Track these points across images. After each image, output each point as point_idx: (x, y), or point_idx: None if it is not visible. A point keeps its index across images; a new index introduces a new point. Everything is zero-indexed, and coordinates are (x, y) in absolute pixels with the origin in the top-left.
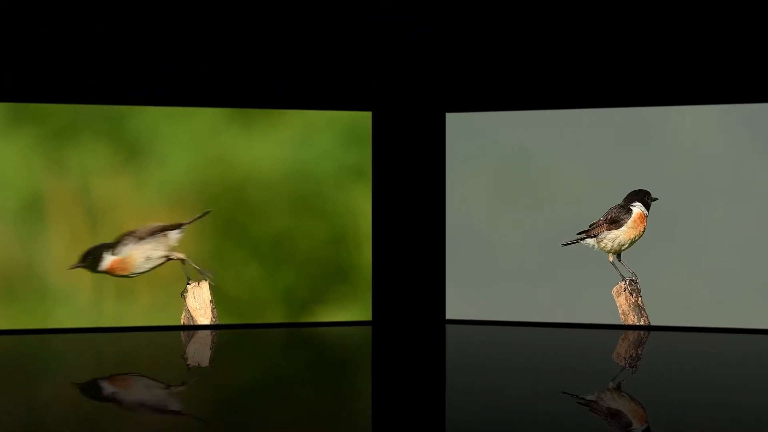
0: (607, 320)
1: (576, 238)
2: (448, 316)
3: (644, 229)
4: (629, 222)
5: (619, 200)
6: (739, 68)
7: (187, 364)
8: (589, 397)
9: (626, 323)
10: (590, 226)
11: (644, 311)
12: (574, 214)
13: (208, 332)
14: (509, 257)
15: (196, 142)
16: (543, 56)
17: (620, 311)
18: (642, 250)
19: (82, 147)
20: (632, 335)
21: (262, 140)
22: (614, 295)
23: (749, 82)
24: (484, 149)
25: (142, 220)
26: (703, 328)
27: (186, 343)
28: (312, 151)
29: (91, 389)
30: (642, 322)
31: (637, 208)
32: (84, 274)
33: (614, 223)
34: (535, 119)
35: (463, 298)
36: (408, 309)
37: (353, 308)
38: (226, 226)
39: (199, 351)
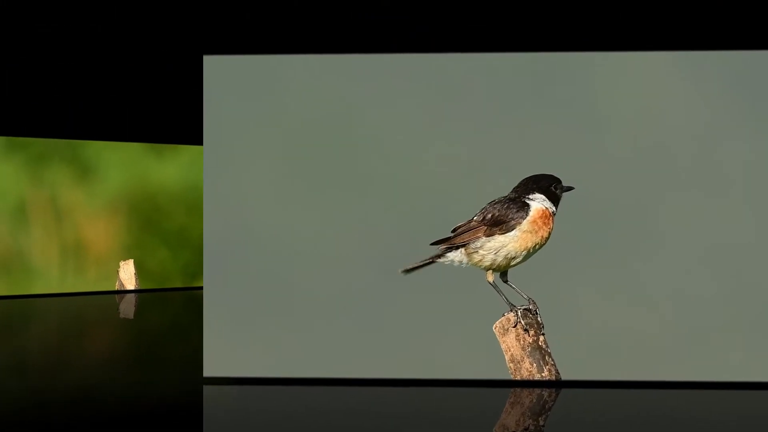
0: (485, 373)
1: (426, 259)
2: (206, 373)
3: (549, 233)
4: (525, 224)
5: (507, 190)
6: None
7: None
8: None
9: (518, 377)
10: (454, 231)
11: (549, 357)
12: (427, 211)
13: (132, 294)
14: (315, 279)
15: (126, 165)
16: None
17: (508, 357)
18: (548, 265)
19: (53, 168)
20: (528, 396)
21: (169, 165)
22: (497, 334)
23: (722, 18)
24: (272, 110)
25: (93, 220)
26: (647, 382)
27: (119, 302)
28: (200, 173)
29: (55, 332)
30: (545, 374)
31: (538, 203)
32: (54, 257)
33: (498, 225)
34: (364, 65)
35: (228, 348)
36: None
37: None
38: (146, 222)
39: (128, 307)
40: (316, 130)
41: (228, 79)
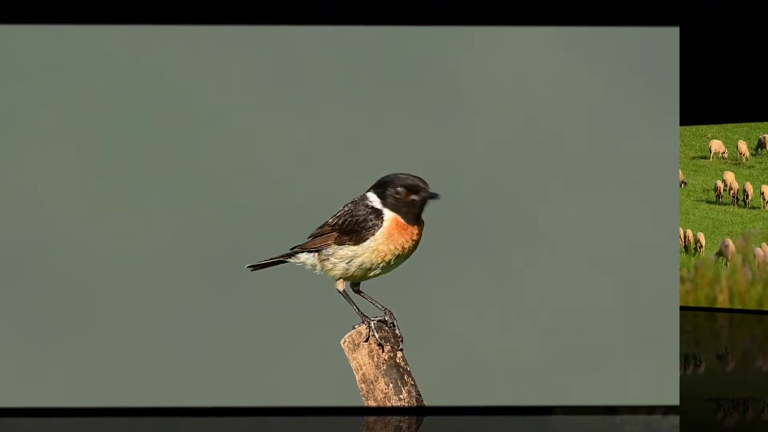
0: (331, 398)
1: (276, 256)
2: None
3: (415, 244)
4: (379, 236)
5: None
6: None
7: None
8: None
9: (371, 401)
10: (312, 235)
11: (409, 376)
12: (255, 207)
13: None
14: (122, 285)
15: None
16: None
17: (359, 378)
18: (408, 271)
19: None
20: (383, 427)
21: None
22: (346, 350)
23: None
24: (71, 88)
25: None
26: (526, 408)
27: None
28: None
29: None
30: (403, 397)
31: (390, 211)
32: None
33: (349, 234)
34: (173, 35)
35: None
36: None
37: None
38: None
39: None
40: (128, 112)
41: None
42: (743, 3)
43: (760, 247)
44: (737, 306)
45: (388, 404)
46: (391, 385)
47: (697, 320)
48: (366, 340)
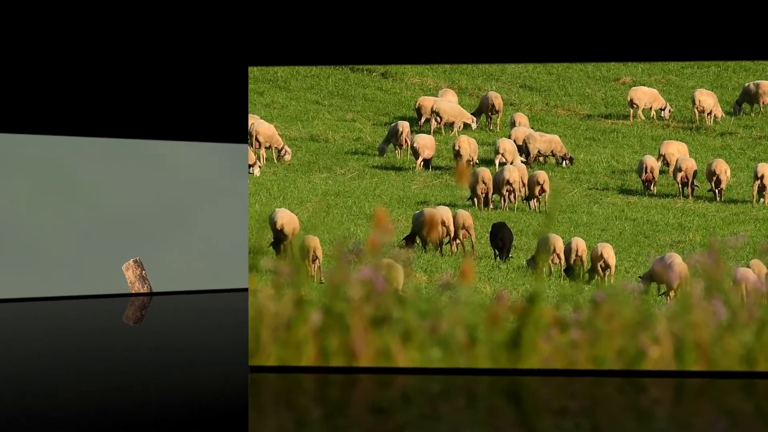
0: (116, 290)
1: None
2: None
3: None
4: None
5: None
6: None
7: None
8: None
9: (133, 291)
10: None
11: (147, 281)
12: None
13: None
14: (33, 240)
15: None
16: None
17: (128, 282)
18: (148, 240)
19: None
20: (138, 301)
21: None
22: (123, 269)
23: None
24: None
25: None
26: (193, 291)
27: None
28: None
29: None
30: (146, 289)
31: None
32: None
33: None
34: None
35: None
36: None
37: None
38: None
39: None
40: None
41: None
42: None
43: (749, 266)
44: (694, 366)
45: (140, 292)
46: (140, 284)
47: (602, 390)
48: (132, 266)
